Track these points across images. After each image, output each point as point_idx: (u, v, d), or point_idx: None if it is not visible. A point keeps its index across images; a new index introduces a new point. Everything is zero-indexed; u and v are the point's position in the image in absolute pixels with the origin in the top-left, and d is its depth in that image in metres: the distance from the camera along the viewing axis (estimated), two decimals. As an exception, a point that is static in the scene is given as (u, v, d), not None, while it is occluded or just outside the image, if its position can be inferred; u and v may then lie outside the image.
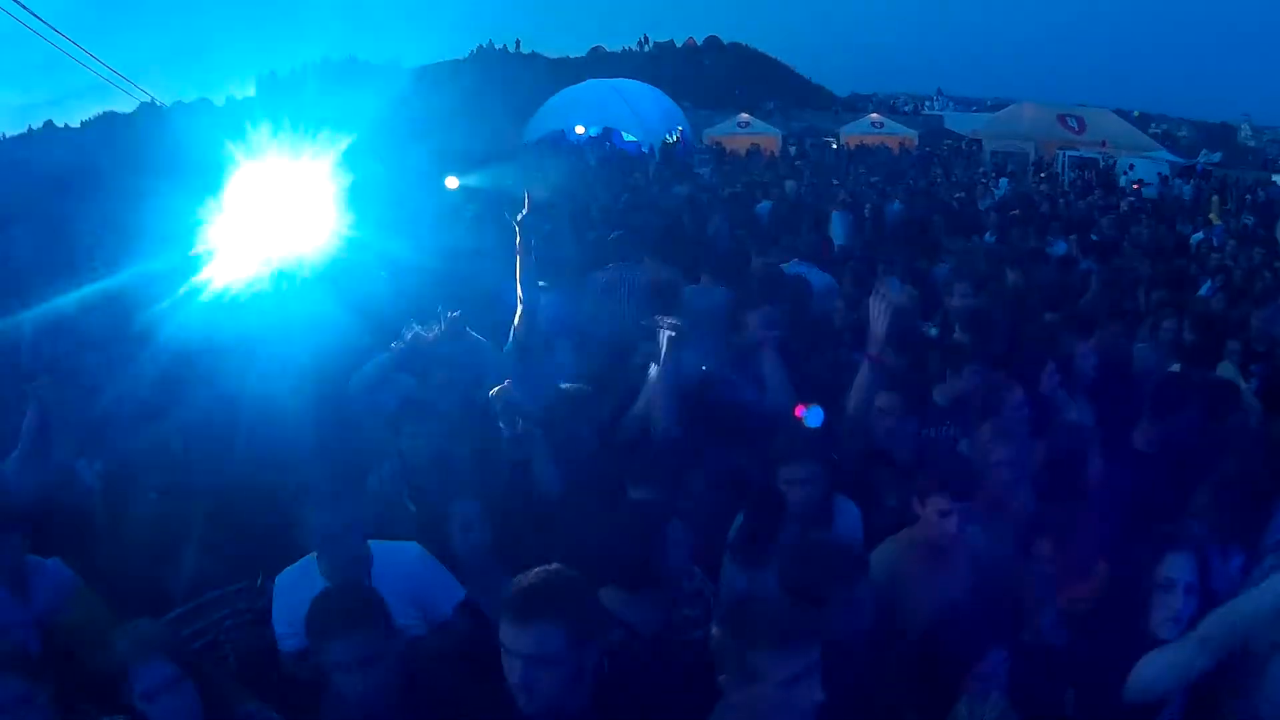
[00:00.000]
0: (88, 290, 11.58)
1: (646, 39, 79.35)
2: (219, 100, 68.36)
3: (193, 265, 14.71)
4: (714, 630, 3.42)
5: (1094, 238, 16.59)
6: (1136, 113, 65.90)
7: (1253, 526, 5.10)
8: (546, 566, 3.47)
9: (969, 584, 4.68)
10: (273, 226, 13.97)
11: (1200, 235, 21.54)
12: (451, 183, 23.53)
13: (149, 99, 46.58)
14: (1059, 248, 15.00)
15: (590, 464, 5.79)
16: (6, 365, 9.19)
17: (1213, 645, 3.70)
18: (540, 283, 6.99)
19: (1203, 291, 12.31)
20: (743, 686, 3.26)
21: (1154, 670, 3.85)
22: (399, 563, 4.55)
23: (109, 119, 60.46)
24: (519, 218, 6.68)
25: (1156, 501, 5.36)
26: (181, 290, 12.55)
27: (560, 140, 53.43)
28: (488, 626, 4.44)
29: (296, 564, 4.58)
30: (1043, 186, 31.76)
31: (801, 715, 3.25)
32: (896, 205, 21.66)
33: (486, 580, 4.64)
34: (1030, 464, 5.58)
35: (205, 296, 12.25)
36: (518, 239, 6.70)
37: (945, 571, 4.75)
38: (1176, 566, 4.17)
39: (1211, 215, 22.99)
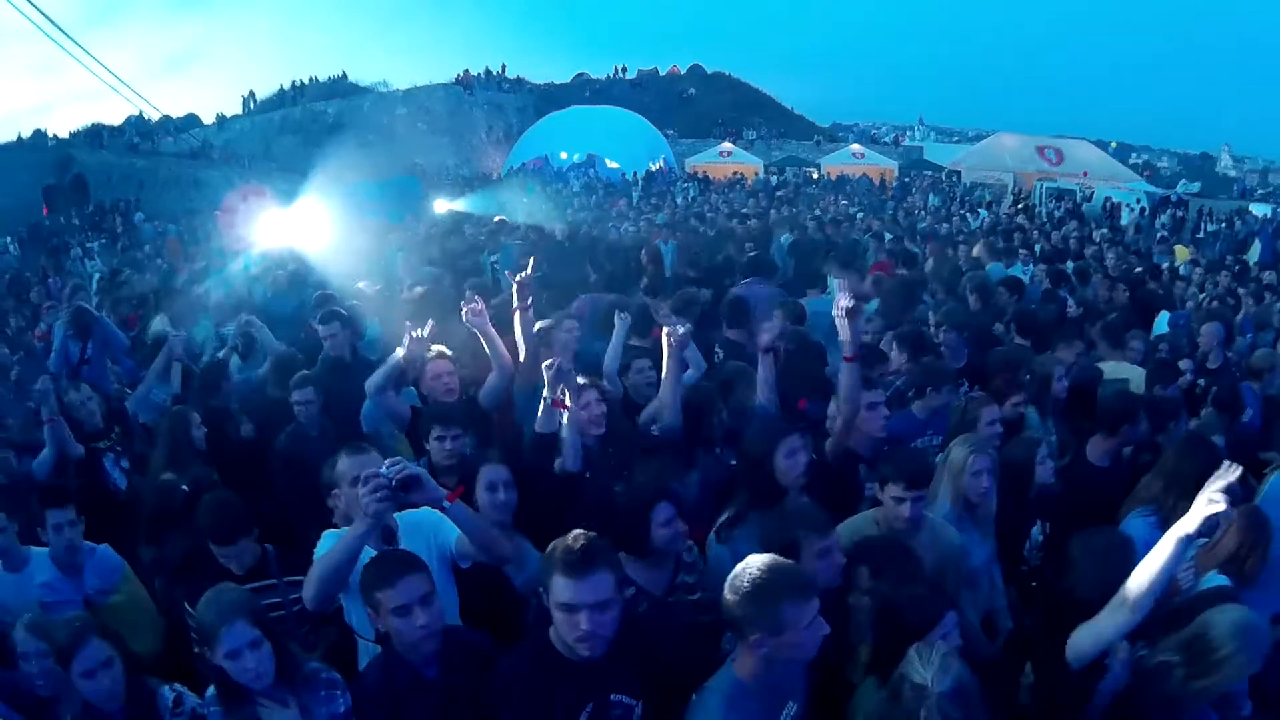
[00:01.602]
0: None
1: (625, 68, 79.44)
2: (208, 117, 68.54)
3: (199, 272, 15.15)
4: (731, 599, 3.83)
5: (1064, 266, 16.97)
6: (1114, 143, 66.11)
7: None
8: (579, 531, 3.94)
9: (926, 562, 5.06)
10: (264, 238, 14.39)
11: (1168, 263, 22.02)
12: (440, 206, 23.95)
13: (155, 110, 46.64)
14: (1026, 274, 15.45)
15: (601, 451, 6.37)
16: (38, 368, 9.60)
17: (1135, 610, 4.15)
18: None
19: (1160, 324, 12.52)
20: (772, 638, 3.74)
21: (1088, 634, 4.31)
22: (413, 523, 4.98)
23: (96, 131, 60.51)
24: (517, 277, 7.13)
25: (1109, 508, 5.85)
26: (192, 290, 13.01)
27: (544, 166, 53.78)
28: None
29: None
30: (1019, 218, 31.98)
31: (812, 651, 3.81)
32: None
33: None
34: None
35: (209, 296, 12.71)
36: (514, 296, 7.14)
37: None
38: (1133, 528, 4.63)
39: (1177, 257, 23.27)
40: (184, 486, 6.43)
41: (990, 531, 5.87)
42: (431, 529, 4.92)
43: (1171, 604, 4.58)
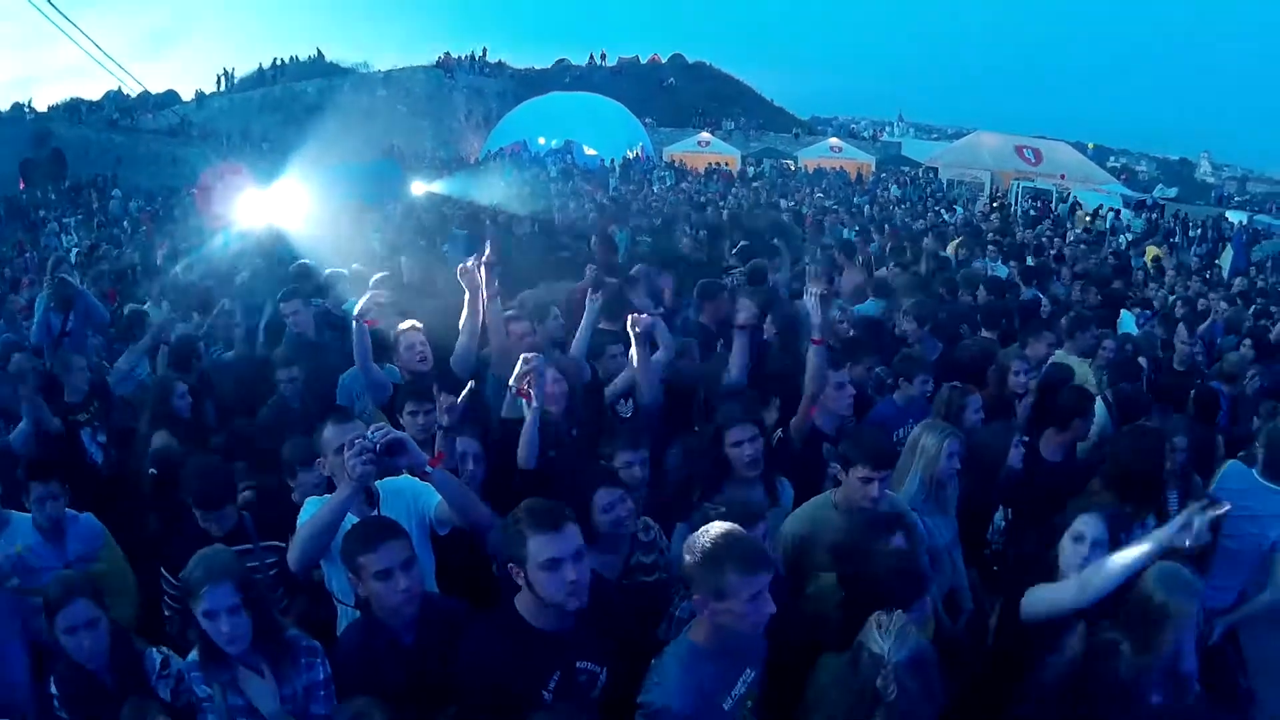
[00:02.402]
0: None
1: (604, 55, 79.21)
2: (186, 94, 68.17)
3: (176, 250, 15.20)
4: (687, 559, 3.99)
5: (1031, 263, 17.18)
6: (1091, 145, 66.31)
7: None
8: (532, 499, 4.14)
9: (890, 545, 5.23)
10: (242, 216, 14.45)
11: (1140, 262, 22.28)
12: (418, 188, 24.00)
13: (137, 84, 46.38)
14: (1000, 271, 15.75)
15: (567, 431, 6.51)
16: (14, 343, 9.72)
17: (1089, 589, 4.42)
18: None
19: (1126, 323, 12.65)
20: (714, 603, 3.89)
21: (1039, 597, 4.62)
22: (393, 490, 5.10)
23: (74, 106, 60.22)
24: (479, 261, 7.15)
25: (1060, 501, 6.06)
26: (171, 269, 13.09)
27: (522, 151, 53.76)
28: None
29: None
30: (993, 216, 32.14)
31: (757, 625, 3.93)
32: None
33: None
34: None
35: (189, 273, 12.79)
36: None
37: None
38: (1089, 524, 4.84)
39: (1147, 256, 23.47)
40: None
41: (952, 514, 6.09)
42: (412, 496, 5.06)
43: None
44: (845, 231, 21.56)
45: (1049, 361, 8.81)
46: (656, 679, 3.98)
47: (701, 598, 3.94)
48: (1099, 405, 7.63)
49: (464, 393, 5.31)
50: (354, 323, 7.03)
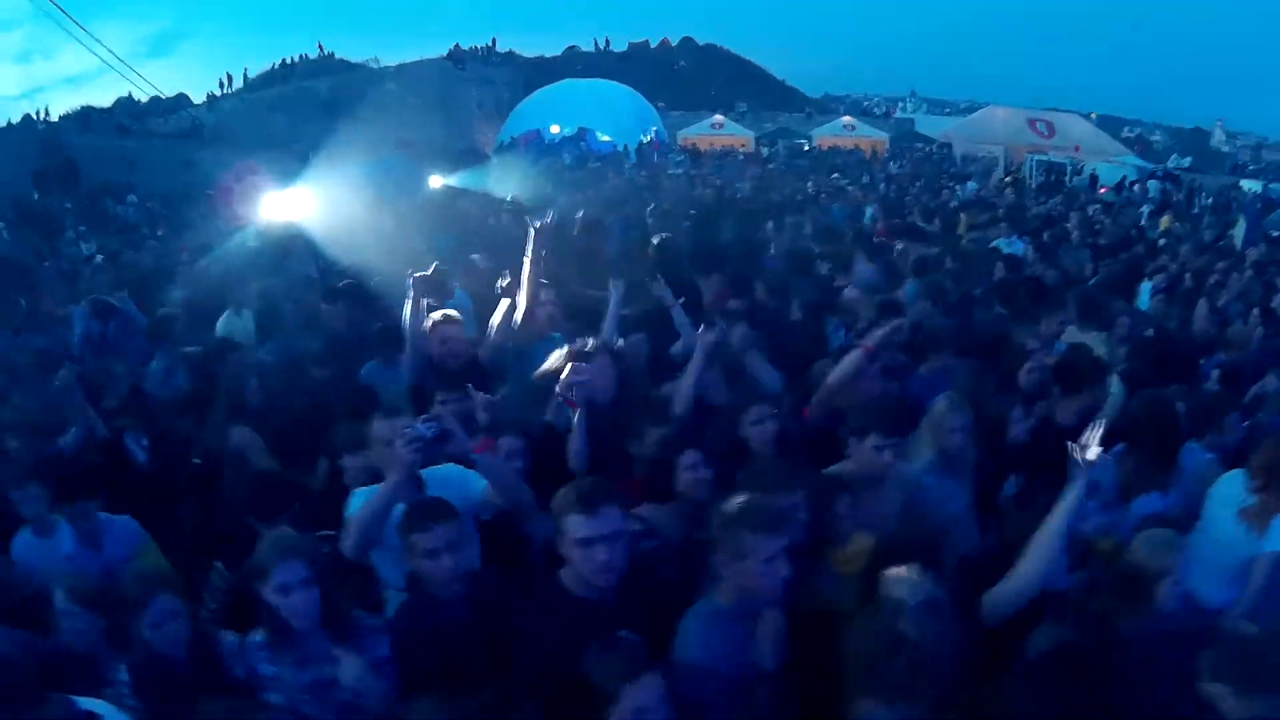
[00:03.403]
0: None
1: (608, 41, 79.44)
2: (197, 96, 68.35)
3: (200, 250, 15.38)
4: (715, 521, 4.31)
5: (1046, 238, 17.28)
6: (1093, 115, 65.85)
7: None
8: (583, 477, 4.55)
9: (898, 509, 5.53)
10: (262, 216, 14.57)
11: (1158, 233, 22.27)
12: (435, 181, 24.12)
13: (151, 87, 46.54)
14: (1016, 247, 15.78)
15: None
16: (59, 349, 9.97)
17: (1039, 562, 4.57)
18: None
19: (1143, 294, 12.69)
20: (733, 563, 4.19)
21: (998, 599, 4.68)
22: (439, 479, 5.28)
23: (85, 114, 60.48)
24: (536, 224, 7.42)
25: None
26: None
27: (536, 140, 53.87)
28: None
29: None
30: (1008, 190, 32.18)
31: (774, 587, 4.18)
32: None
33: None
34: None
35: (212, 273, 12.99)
36: (529, 243, 7.37)
37: (878, 498, 5.55)
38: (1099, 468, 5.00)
39: (1161, 226, 23.46)
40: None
41: (968, 482, 6.24)
42: (456, 484, 5.24)
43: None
44: (868, 210, 21.55)
45: (1063, 341, 8.84)
46: (683, 638, 4.26)
47: (723, 558, 4.24)
48: (1115, 381, 7.80)
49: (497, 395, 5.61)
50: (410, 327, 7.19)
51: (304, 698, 4.40)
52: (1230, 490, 6.13)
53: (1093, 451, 4.54)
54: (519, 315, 7.35)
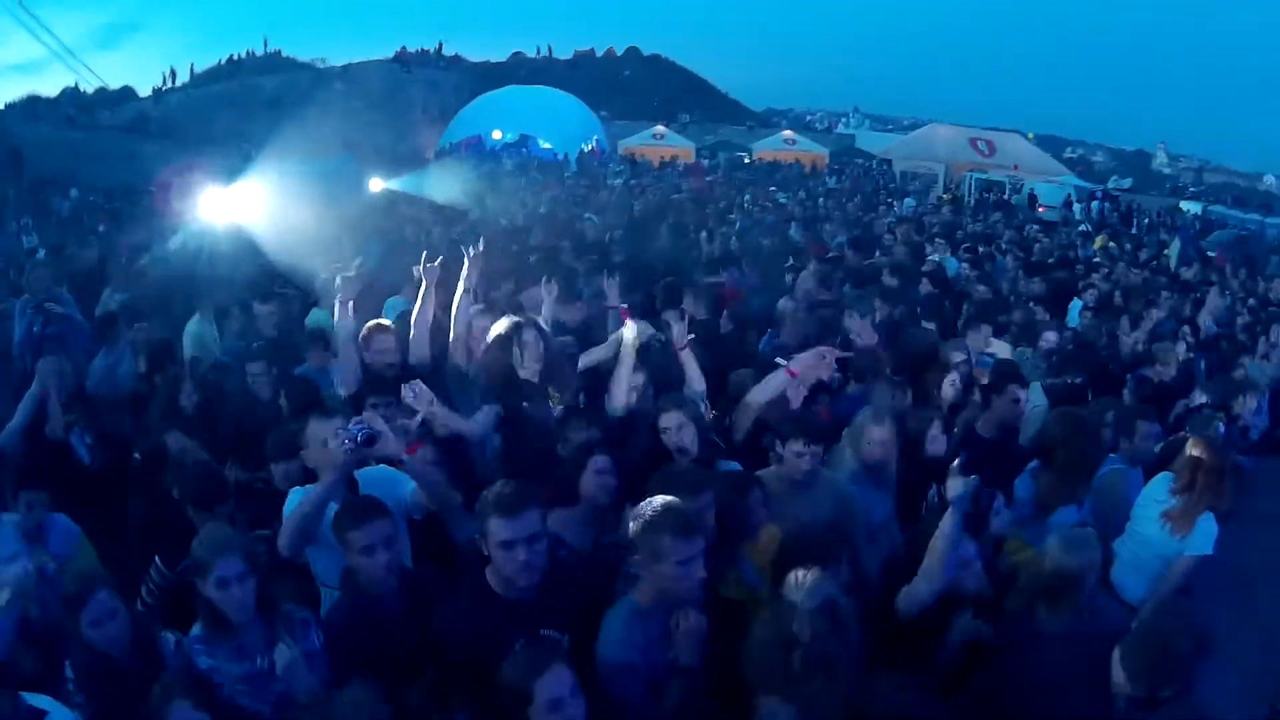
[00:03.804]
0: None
1: (551, 49, 79.66)
2: (143, 89, 67.79)
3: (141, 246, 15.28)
4: (631, 525, 4.48)
5: (979, 254, 17.56)
6: (1031, 135, 66.48)
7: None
8: (506, 479, 4.66)
9: (825, 513, 5.73)
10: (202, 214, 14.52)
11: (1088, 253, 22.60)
12: (376, 185, 24.09)
13: (97, 79, 46.17)
14: (951, 264, 16.04)
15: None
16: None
17: (934, 572, 4.82)
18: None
19: (1072, 311, 12.94)
20: (651, 565, 4.37)
21: (904, 600, 4.95)
22: (372, 479, 5.48)
23: (32, 104, 59.91)
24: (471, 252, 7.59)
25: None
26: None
27: (477, 145, 53.85)
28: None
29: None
30: (945, 208, 32.49)
31: (691, 589, 4.38)
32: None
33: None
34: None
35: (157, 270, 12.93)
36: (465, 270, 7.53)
37: (801, 500, 5.85)
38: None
39: (1095, 245, 23.82)
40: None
41: (891, 492, 6.53)
42: (389, 485, 5.44)
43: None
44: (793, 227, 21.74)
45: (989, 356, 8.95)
46: (604, 636, 4.43)
47: (642, 560, 4.42)
48: (1038, 392, 8.08)
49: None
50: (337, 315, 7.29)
51: (241, 688, 4.50)
52: (1158, 491, 6.48)
53: (957, 483, 4.81)
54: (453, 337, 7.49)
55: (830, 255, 15.12)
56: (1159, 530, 6.33)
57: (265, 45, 77.66)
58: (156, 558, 5.70)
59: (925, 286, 12.21)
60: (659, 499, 4.50)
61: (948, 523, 4.78)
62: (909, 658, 4.92)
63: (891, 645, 4.96)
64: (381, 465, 5.53)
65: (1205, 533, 6.22)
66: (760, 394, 6.82)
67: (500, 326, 6.83)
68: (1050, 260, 18.63)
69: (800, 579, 4.14)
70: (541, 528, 4.50)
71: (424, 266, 7.55)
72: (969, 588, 5.06)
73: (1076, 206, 38.24)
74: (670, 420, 6.13)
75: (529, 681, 3.75)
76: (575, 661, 4.10)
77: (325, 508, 4.98)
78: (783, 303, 10.28)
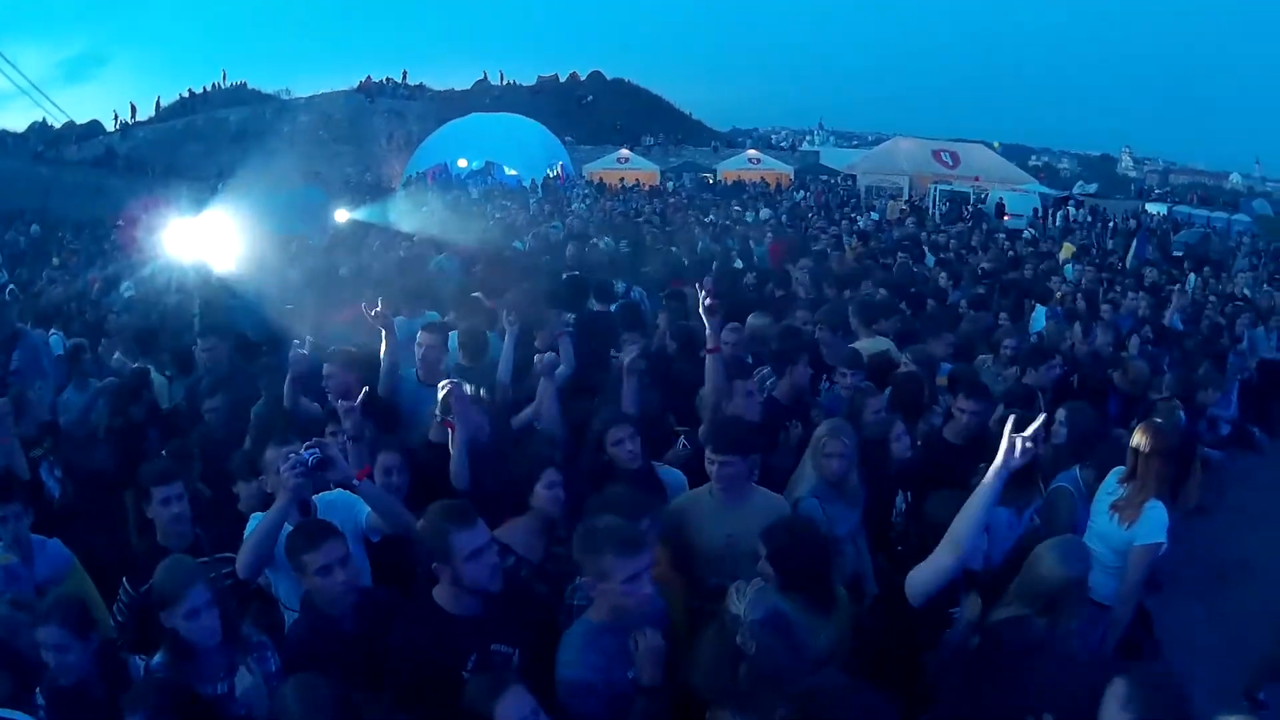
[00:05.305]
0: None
1: (502, 76, 80.00)
2: (110, 123, 67.59)
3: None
4: (576, 546, 4.58)
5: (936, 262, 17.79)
6: (996, 144, 66.70)
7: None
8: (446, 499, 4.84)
9: (752, 524, 5.51)
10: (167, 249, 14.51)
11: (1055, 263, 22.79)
12: (341, 215, 24.11)
13: (63, 114, 45.99)
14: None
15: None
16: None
17: (960, 540, 4.60)
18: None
19: (1037, 317, 13.08)
20: (598, 584, 4.47)
21: (920, 577, 4.79)
22: (329, 502, 5.65)
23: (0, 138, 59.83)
24: None
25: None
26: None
27: (443, 173, 53.83)
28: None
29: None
30: (909, 220, 32.60)
31: (641, 604, 4.46)
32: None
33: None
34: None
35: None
36: None
37: (727, 511, 5.85)
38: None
39: (1062, 256, 23.97)
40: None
41: (857, 504, 6.53)
42: (345, 508, 5.59)
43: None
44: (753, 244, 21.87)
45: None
46: (563, 656, 4.50)
47: (590, 580, 4.55)
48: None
49: (356, 402, 6.10)
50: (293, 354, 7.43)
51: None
52: (1110, 484, 6.58)
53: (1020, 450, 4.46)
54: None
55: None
56: (1108, 523, 6.40)
57: (225, 77, 77.32)
58: (124, 579, 5.74)
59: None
60: (600, 520, 4.61)
61: (992, 480, 4.50)
62: (923, 640, 5.02)
63: (900, 631, 5.03)
64: (339, 489, 5.66)
65: (1153, 520, 6.20)
66: (708, 388, 7.13)
67: None
68: (1005, 266, 18.87)
69: (742, 591, 4.22)
70: (490, 534, 4.68)
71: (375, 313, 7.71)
72: (975, 565, 4.93)
73: (1055, 217, 38.51)
74: (614, 436, 6.23)
75: (488, 704, 3.82)
76: (528, 675, 4.21)
77: (279, 530, 5.08)
78: (753, 318, 10.32)
